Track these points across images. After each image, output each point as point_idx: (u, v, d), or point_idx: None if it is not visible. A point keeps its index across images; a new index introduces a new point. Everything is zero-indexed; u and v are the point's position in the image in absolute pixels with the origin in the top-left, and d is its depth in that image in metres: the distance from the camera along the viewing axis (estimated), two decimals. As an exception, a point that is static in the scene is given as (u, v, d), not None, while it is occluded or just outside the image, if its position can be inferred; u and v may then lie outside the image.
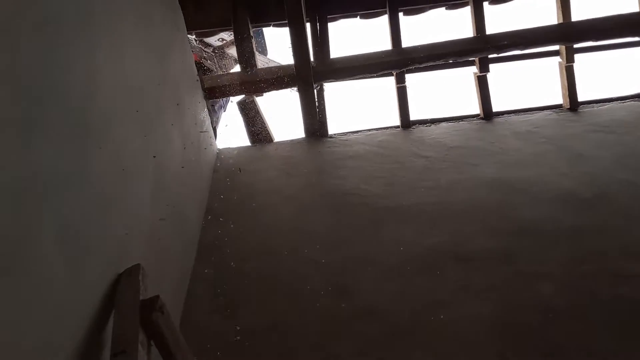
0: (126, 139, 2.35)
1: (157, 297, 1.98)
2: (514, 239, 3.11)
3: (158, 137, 2.76)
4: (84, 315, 1.80)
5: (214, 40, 5.23)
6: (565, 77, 4.35)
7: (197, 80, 3.74)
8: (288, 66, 4.09)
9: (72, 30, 1.95)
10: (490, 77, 4.37)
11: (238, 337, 2.71)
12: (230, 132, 5.30)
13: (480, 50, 4.13)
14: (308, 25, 4.07)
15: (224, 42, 5.23)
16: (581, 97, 4.38)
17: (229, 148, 4.22)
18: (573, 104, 4.33)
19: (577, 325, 2.56)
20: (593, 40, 4.22)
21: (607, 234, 3.07)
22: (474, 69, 4.39)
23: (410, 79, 4.41)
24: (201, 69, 4.94)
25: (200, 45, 5.25)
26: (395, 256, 3.09)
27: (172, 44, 3.28)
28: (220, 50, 5.21)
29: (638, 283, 2.73)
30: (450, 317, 2.69)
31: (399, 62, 4.15)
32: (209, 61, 5.16)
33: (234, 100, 4.51)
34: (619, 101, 4.41)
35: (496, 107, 4.40)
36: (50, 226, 1.62)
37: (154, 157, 2.63)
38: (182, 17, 3.68)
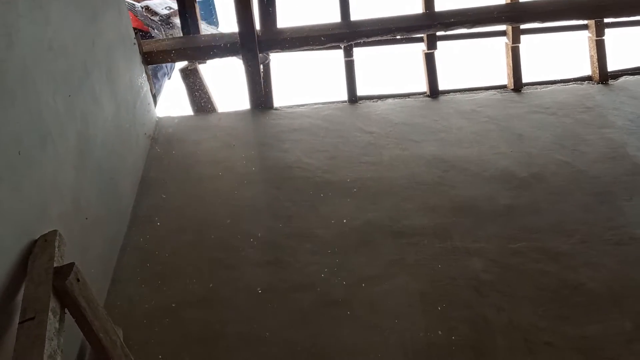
0: (47, 99, 2.23)
1: (72, 264, 1.90)
2: (450, 215, 3.13)
3: (84, 100, 2.63)
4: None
5: (160, 9, 5.03)
6: (510, 58, 4.38)
7: (135, 44, 3.58)
8: (232, 34, 3.96)
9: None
10: (439, 56, 4.37)
11: (168, 308, 2.65)
12: (174, 101, 5.15)
13: (428, 26, 4.10)
14: (254, -8, 3.96)
15: (171, 10, 5.04)
16: (526, 78, 4.43)
17: (170, 117, 4.09)
18: (517, 84, 4.38)
19: (503, 300, 2.61)
20: (540, 22, 4.25)
21: (539, 212, 3.13)
22: (422, 46, 4.37)
23: (360, 53, 4.38)
24: (146, 36, 4.76)
25: (147, 14, 5.04)
26: (332, 231, 3.08)
27: (106, 4, 3.12)
28: (167, 19, 5.02)
29: (564, 260, 2.80)
30: (381, 290, 2.70)
31: (347, 34, 4.09)
32: (155, 30, 4.97)
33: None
34: (562, 84, 4.48)
35: (444, 85, 4.42)
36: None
37: (78, 120, 2.50)
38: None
